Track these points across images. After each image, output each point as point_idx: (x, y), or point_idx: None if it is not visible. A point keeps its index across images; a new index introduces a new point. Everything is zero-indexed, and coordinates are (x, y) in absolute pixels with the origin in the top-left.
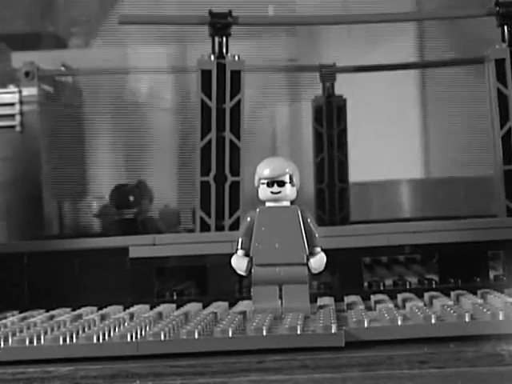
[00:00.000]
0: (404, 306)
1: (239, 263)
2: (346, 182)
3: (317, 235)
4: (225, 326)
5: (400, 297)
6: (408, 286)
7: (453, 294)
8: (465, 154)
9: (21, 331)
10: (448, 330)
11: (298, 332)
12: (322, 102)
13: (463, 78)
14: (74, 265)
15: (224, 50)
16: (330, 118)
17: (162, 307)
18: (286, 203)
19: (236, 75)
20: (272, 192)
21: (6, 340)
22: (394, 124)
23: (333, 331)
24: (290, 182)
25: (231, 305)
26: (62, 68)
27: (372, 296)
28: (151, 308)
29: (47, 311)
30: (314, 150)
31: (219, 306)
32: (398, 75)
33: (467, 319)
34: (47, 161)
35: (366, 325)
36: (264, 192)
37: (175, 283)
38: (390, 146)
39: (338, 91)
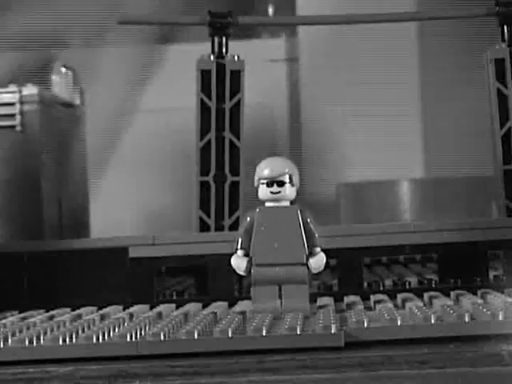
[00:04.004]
0: (404, 306)
1: (239, 263)
2: None
3: (316, 235)
4: (224, 326)
5: (400, 297)
6: (408, 286)
7: (452, 293)
8: (465, 154)
9: (20, 331)
10: (448, 330)
11: (298, 332)
12: None
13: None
14: (74, 265)
15: (224, 50)
16: None
17: (161, 307)
18: (286, 203)
19: (236, 75)
20: (271, 192)
21: (5, 340)
22: (394, 123)
23: (332, 331)
24: (290, 182)
25: (231, 305)
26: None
27: (372, 296)
28: (151, 308)
29: (47, 311)
30: None
31: (219, 306)
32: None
33: (467, 319)
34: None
35: (365, 325)
36: (263, 192)
37: (175, 283)
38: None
39: None
